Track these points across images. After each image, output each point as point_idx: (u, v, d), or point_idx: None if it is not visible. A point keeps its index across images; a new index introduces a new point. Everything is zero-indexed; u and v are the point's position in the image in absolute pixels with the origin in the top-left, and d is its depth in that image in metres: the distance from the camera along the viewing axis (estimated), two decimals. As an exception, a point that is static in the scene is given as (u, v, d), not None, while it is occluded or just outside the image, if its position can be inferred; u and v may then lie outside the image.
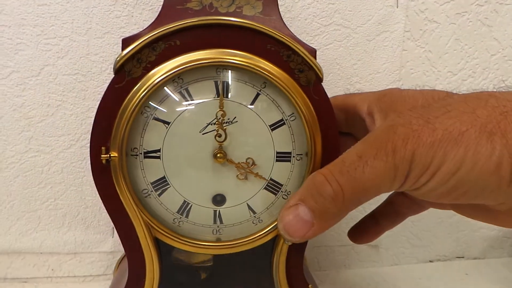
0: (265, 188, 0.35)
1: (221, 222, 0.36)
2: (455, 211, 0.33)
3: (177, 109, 0.33)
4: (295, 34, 0.34)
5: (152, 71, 0.32)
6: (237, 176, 0.35)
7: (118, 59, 0.31)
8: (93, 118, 0.33)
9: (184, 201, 0.35)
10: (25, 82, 0.48)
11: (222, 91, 0.33)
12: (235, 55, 0.33)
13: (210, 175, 0.34)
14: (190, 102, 0.33)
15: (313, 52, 0.33)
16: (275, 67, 0.33)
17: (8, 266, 0.53)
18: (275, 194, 0.36)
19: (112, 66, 0.33)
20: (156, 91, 0.32)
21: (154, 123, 0.33)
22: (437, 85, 0.56)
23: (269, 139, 0.34)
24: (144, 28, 0.33)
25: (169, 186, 0.34)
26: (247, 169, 0.34)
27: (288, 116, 0.34)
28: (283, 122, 0.34)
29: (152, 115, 0.33)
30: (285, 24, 0.34)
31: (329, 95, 0.35)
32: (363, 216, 0.40)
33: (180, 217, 0.35)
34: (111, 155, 0.32)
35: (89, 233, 0.53)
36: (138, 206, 0.34)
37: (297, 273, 0.38)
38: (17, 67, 0.48)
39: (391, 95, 0.33)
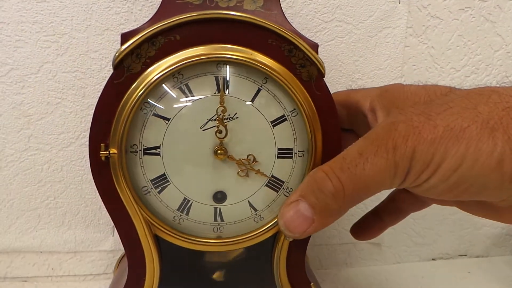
0: (267, 185, 0.35)
1: (221, 219, 0.35)
2: (458, 208, 0.32)
3: (177, 105, 0.33)
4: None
5: (152, 67, 0.32)
6: (238, 173, 0.34)
7: (117, 54, 0.31)
8: (92, 115, 0.32)
9: (185, 199, 0.34)
10: (24, 79, 0.48)
11: (222, 87, 0.33)
12: (236, 50, 0.32)
13: (210, 172, 0.34)
14: (190, 97, 0.33)
15: (315, 46, 0.33)
16: (276, 63, 0.33)
17: (8, 265, 0.52)
18: (277, 191, 0.35)
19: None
20: (155, 87, 0.32)
21: (153, 119, 0.33)
22: (439, 81, 0.55)
23: (270, 136, 0.34)
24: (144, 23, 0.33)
25: (169, 183, 0.34)
26: (248, 166, 0.34)
27: (290, 112, 0.34)
28: (284, 118, 0.34)
29: (151, 111, 0.33)
30: (286, 19, 0.34)
31: (331, 91, 0.34)
32: (364, 213, 0.40)
33: (181, 215, 0.35)
34: (110, 152, 0.32)
35: (89, 232, 0.53)
36: (138, 203, 0.34)
37: (299, 271, 0.38)
38: (16, 64, 0.47)
39: (394, 91, 0.33)
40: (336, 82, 0.53)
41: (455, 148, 0.25)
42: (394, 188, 0.31)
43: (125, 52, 0.31)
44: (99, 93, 0.32)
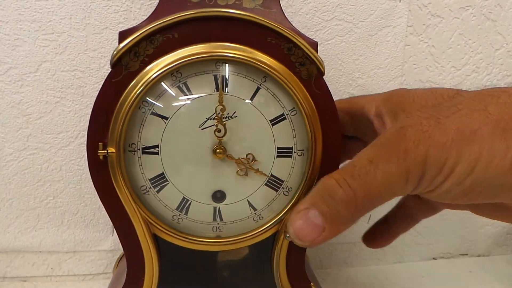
0: (266, 185, 0.35)
1: (221, 219, 0.35)
2: (472, 212, 0.32)
3: (176, 104, 0.32)
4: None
5: (150, 65, 0.32)
6: (237, 172, 0.34)
7: (115, 52, 0.31)
8: (91, 114, 0.32)
9: (184, 198, 0.34)
10: (22, 78, 0.48)
11: (221, 85, 0.32)
12: (235, 48, 0.32)
13: (209, 171, 0.34)
14: (188, 96, 0.32)
15: (314, 45, 0.33)
16: (275, 61, 0.32)
17: (7, 265, 0.52)
18: (276, 191, 0.35)
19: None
20: (154, 86, 0.32)
21: (152, 118, 0.32)
22: (440, 80, 0.55)
23: (269, 134, 0.33)
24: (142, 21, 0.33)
25: (168, 182, 0.34)
26: (247, 165, 0.34)
27: (289, 110, 0.33)
28: (284, 117, 0.33)
29: (150, 110, 0.32)
30: (286, 17, 0.33)
31: (331, 91, 0.34)
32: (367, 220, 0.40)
33: (180, 214, 0.35)
34: (109, 151, 0.32)
35: (89, 232, 0.53)
36: (136, 203, 0.33)
37: (299, 271, 0.38)
38: (14, 63, 0.47)
39: (399, 95, 0.32)
40: (336, 81, 0.53)
41: (467, 151, 0.24)
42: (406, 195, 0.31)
43: (123, 50, 0.31)
44: (98, 92, 0.32)
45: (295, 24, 0.40)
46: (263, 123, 0.33)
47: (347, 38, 0.52)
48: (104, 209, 0.34)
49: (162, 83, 0.32)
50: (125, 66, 0.31)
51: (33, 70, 0.48)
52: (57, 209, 0.52)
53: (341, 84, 0.53)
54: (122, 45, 0.31)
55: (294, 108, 0.33)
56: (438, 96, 0.30)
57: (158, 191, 0.34)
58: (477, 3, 0.54)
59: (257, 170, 0.34)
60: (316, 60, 0.32)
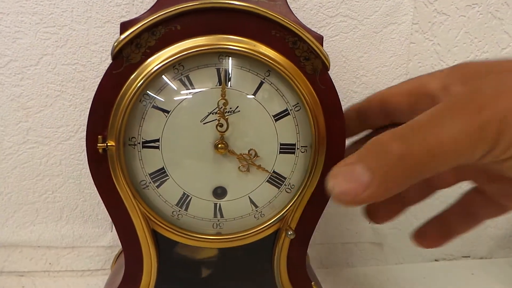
0: (268, 181, 0.34)
1: (221, 215, 0.35)
2: None
3: (177, 97, 0.32)
4: (300, 22, 0.33)
5: (152, 57, 0.31)
6: (238, 168, 0.33)
7: (115, 43, 0.30)
8: (91, 108, 0.31)
9: (184, 193, 0.34)
10: (23, 71, 0.47)
11: (224, 79, 0.32)
12: (238, 41, 0.31)
13: (210, 167, 0.33)
14: (190, 90, 0.32)
15: (320, 39, 0.32)
16: (279, 55, 0.32)
17: (5, 259, 0.52)
18: (278, 188, 0.34)
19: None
20: (155, 78, 0.31)
21: (153, 111, 0.32)
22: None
23: (272, 130, 0.33)
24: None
25: (168, 177, 0.33)
26: (249, 160, 0.33)
27: (293, 106, 0.33)
28: (287, 112, 0.33)
29: (151, 103, 0.32)
30: (291, 10, 0.33)
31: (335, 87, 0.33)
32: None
33: (180, 210, 0.34)
34: (108, 144, 0.31)
35: (88, 227, 0.52)
36: (135, 197, 0.33)
37: (300, 270, 0.37)
38: (15, 56, 0.47)
39: (468, 67, 0.28)
40: (340, 78, 0.52)
41: None
42: (473, 163, 0.24)
43: (124, 42, 0.30)
44: (99, 86, 0.31)
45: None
46: (266, 118, 0.33)
47: (352, 35, 0.51)
48: (103, 204, 0.33)
49: (164, 76, 0.32)
50: (126, 57, 0.31)
51: (33, 63, 0.47)
52: (56, 203, 0.51)
53: (345, 82, 0.52)
54: (123, 36, 0.30)
55: (298, 103, 0.33)
56: (504, 64, 0.26)
57: (158, 186, 0.33)
58: (483, 1, 0.53)
59: (259, 166, 0.33)
60: (321, 55, 0.32)
